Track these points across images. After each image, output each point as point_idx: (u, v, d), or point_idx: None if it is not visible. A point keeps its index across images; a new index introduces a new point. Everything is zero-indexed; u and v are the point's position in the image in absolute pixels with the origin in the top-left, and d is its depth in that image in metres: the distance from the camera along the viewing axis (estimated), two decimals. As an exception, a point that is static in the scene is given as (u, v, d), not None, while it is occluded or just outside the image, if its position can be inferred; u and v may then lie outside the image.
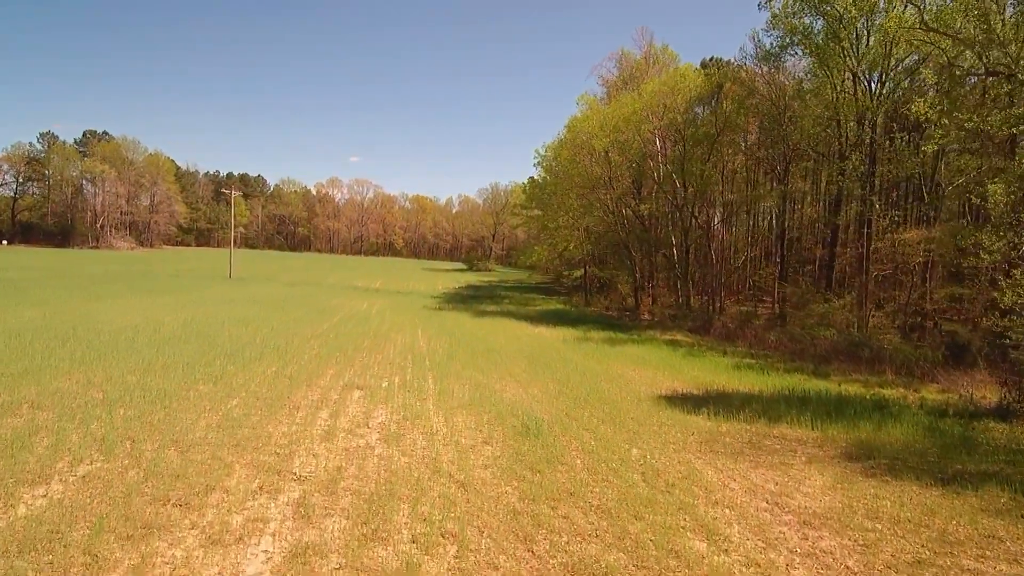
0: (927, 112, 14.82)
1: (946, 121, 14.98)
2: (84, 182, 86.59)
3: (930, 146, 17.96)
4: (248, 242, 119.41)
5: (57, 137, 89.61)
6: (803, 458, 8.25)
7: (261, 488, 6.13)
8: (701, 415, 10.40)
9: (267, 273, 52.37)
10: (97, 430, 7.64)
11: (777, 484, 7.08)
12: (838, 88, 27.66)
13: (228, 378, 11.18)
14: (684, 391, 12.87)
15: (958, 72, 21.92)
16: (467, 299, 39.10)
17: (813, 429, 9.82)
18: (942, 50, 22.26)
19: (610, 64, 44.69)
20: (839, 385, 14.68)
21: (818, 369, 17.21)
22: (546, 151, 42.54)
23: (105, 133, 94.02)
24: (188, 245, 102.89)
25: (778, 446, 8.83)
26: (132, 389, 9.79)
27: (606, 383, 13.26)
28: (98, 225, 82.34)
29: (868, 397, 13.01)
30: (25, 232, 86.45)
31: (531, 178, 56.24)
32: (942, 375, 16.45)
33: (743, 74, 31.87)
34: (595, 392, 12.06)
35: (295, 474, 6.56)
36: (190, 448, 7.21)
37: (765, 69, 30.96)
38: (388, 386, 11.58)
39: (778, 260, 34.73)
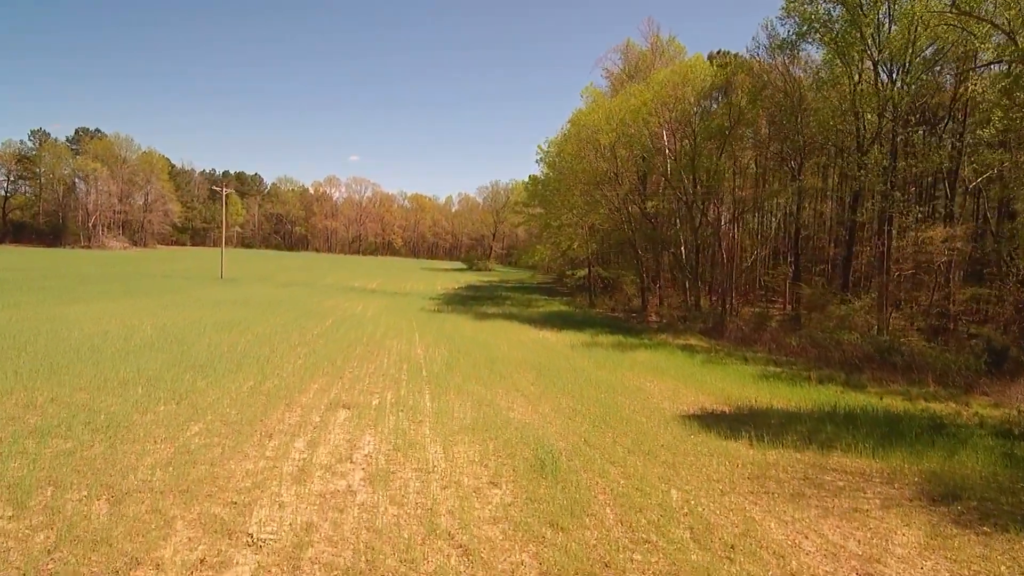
0: (984, 92, 13.41)
1: (1006, 101, 13.58)
2: (76, 180, 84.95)
3: (987, 131, 16.47)
4: (245, 241, 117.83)
5: (49, 134, 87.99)
6: (877, 501, 6.83)
7: (203, 561, 4.69)
8: (741, 440, 8.98)
9: (261, 273, 50.91)
10: (16, 471, 6.20)
11: (860, 543, 5.65)
12: (857, 79, 26.26)
13: (195, 396, 9.74)
14: (713, 408, 11.45)
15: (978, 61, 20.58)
16: (467, 300, 37.66)
17: (874, 458, 8.41)
18: (975, 36, 20.92)
19: (615, 56, 43.22)
20: (880, 398, 13.27)
21: (850, 378, 15.80)
22: (549, 147, 41.10)
23: (97, 131, 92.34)
24: (183, 245, 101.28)
25: (841, 482, 7.41)
26: (77, 412, 8.35)
27: (624, 398, 11.84)
28: (90, 224, 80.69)
29: (918, 414, 11.62)
30: (16, 232, 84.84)
31: (532, 175, 54.86)
32: (987, 385, 15.08)
33: (755, 65, 30.46)
34: (614, 410, 10.64)
35: (251, 537, 5.12)
36: (126, 496, 5.78)
37: (779, 60, 29.55)
38: (379, 404, 10.15)
39: (791, 260, 33.32)
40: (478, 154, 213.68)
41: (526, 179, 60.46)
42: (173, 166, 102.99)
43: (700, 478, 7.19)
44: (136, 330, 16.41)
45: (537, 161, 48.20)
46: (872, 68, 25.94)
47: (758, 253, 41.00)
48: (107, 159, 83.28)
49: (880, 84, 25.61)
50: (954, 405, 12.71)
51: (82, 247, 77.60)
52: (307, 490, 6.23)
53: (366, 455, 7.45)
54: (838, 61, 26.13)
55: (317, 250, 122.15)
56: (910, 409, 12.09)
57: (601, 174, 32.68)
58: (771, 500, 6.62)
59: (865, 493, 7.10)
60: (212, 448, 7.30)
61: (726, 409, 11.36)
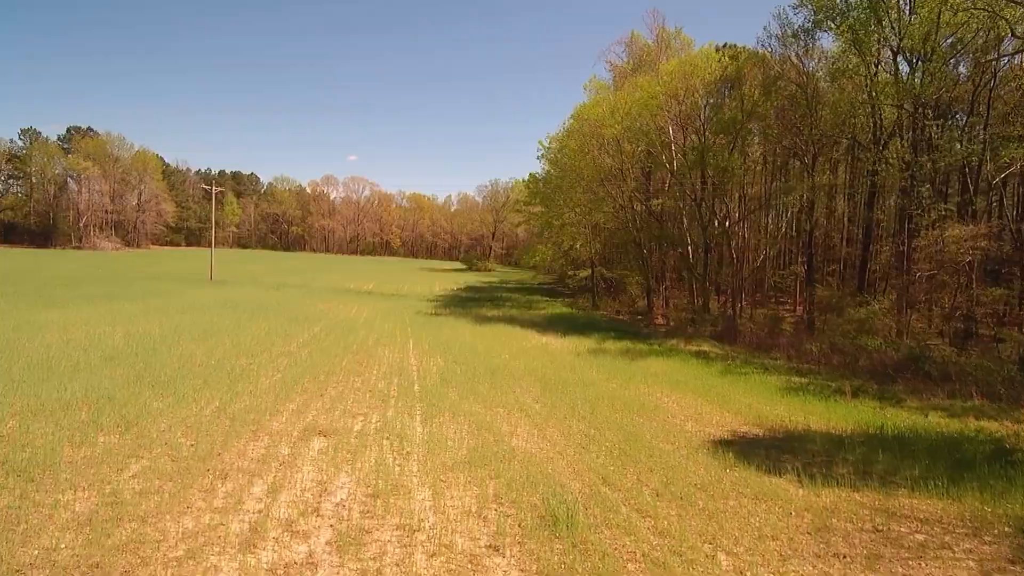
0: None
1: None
2: (68, 180, 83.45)
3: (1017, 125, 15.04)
4: (240, 242, 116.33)
5: (40, 133, 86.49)
6: (972, 564, 5.47)
7: None
8: (786, 476, 7.62)
9: (254, 274, 49.52)
10: None
11: (979, 639, 4.29)
12: (875, 70, 24.95)
13: (147, 422, 8.38)
14: (744, 431, 10.09)
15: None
16: (466, 302, 36.29)
17: (949, 498, 7.05)
18: (1006, 21, 19.63)
19: (619, 49, 41.86)
20: (925, 416, 11.91)
21: (884, 390, 14.44)
22: (550, 142, 39.73)
23: (89, 129, 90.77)
24: (178, 245, 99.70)
25: (920, 536, 6.05)
26: (-5, 448, 6.99)
27: (642, 419, 10.48)
28: (81, 224, 79.23)
29: (974, 435, 10.27)
30: (7, 232, 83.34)
31: (532, 173, 53.43)
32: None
33: (768, 57, 29.13)
34: (633, 436, 9.27)
35: (164, 647, 3.77)
36: (13, 577, 4.42)
37: (793, 50, 28.24)
38: (362, 430, 8.79)
39: (804, 259, 31.95)
40: (478, 154, 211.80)
41: (527, 177, 59.03)
42: (167, 165, 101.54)
43: (750, 534, 5.82)
44: (103, 339, 15.04)
45: (538, 157, 46.61)
46: (891, 58, 24.66)
47: (767, 252, 39.67)
48: (99, 158, 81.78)
49: (899, 75, 24.32)
50: (1010, 424, 11.35)
51: (73, 247, 76.15)
52: (255, 561, 4.87)
53: (337, 504, 6.09)
54: (854, 50, 24.87)
55: (314, 250, 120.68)
56: (963, 430, 10.74)
57: (605, 170, 31.30)
58: (845, 568, 5.25)
59: (953, 552, 5.74)
60: (148, 497, 5.94)
61: (759, 432, 10.00)
